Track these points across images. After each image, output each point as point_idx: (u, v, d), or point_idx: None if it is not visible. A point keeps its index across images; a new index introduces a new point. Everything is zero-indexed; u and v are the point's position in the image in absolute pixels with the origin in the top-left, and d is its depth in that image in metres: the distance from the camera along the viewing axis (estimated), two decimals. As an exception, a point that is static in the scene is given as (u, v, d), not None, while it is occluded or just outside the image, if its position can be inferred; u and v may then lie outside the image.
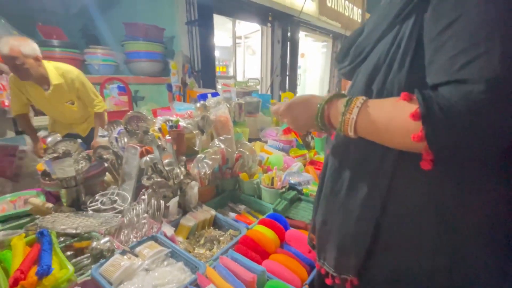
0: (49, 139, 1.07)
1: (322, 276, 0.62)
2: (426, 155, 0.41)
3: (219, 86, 4.32)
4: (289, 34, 4.81)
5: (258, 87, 3.28)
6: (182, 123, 1.30)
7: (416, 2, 0.44)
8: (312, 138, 1.88)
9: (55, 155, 1.04)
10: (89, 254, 0.85)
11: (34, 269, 0.68)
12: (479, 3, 0.36)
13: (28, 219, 1.01)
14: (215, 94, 2.45)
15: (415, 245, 0.47)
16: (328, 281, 0.60)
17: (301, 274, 0.75)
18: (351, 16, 6.06)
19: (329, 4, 5.33)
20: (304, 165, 1.54)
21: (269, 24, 4.64)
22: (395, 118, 0.42)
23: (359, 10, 6.00)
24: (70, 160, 1.06)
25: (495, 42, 0.35)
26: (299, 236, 0.87)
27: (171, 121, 1.28)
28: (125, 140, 1.23)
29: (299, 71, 6.25)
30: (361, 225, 0.51)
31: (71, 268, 0.74)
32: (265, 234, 0.86)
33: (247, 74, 6.13)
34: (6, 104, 2.19)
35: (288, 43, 4.82)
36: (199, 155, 1.14)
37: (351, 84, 0.58)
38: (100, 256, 0.84)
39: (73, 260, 0.82)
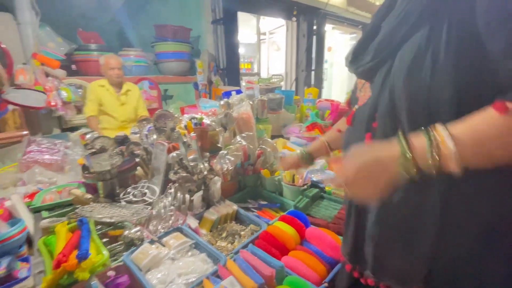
0: (88, 136, 1.17)
1: None
2: None
3: (243, 84, 4.37)
4: (315, 27, 4.68)
5: (282, 83, 3.25)
6: (206, 121, 1.35)
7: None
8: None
9: (93, 150, 1.14)
10: (122, 242, 0.92)
11: (75, 253, 0.76)
12: None
13: (70, 208, 1.12)
14: (238, 92, 2.48)
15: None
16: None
17: (321, 271, 0.75)
18: (382, 6, 5.70)
19: (358, -6, 5.08)
20: (328, 163, 1.51)
21: (294, 19, 4.56)
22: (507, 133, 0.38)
23: (391, -1, 5.62)
24: (105, 155, 1.16)
25: None
26: (320, 234, 0.86)
27: (196, 118, 1.33)
28: (154, 137, 1.31)
29: (325, 66, 6.07)
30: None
31: (106, 253, 0.81)
32: (285, 230, 0.87)
33: (272, 70, 6.10)
34: (53, 104, 2.43)
35: (314, 37, 4.70)
36: (221, 152, 1.17)
37: (376, 82, 0.54)
38: (131, 244, 0.91)
39: (108, 247, 0.90)
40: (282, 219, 0.94)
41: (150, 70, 3.39)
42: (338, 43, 6.82)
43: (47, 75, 2.53)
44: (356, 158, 0.47)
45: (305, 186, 1.16)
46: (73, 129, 2.78)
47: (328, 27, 5.42)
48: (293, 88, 4.91)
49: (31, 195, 1.53)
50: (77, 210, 1.01)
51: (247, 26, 5.26)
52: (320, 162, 1.39)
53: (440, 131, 0.41)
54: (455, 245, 0.48)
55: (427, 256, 0.49)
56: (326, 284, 0.71)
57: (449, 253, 0.49)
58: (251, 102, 1.64)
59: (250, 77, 4.98)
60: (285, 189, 1.18)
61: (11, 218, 1.66)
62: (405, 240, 0.52)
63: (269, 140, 1.36)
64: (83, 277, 0.72)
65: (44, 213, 1.10)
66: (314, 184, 1.23)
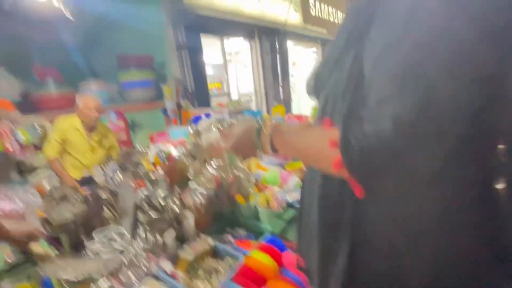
0: (48, 188, 1.10)
1: None
2: (354, 183, 0.43)
3: (214, 103, 4.41)
4: (277, 44, 4.90)
5: (252, 102, 3.34)
6: (174, 153, 1.32)
7: (356, 37, 0.46)
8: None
9: (53, 201, 1.06)
10: (91, 300, 0.85)
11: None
12: (402, 41, 0.38)
13: (32, 267, 1.02)
14: (208, 115, 2.50)
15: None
16: None
17: (301, 301, 0.75)
18: (336, 21, 6.17)
19: (312, 13, 5.44)
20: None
21: (256, 39, 4.74)
22: (316, 143, 0.48)
23: (343, 15, 6.11)
24: (68, 204, 1.09)
25: (408, 84, 0.36)
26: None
27: (163, 152, 1.30)
28: (120, 177, 1.26)
29: (292, 79, 6.32)
30: (333, 255, 0.52)
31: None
32: (262, 261, 0.86)
33: (242, 88, 6.22)
34: (10, 149, 2.26)
35: (278, 54, 4.92)
36: (193, 187, 1.15)
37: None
38: (102, 301, 0.85)
39: (76, 308, 0.83)
40: (259, 248, 0.93)
41: (114, 100, 3.29)
42: (302, 57, 7.18)
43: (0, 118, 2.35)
44: (235, 131, 0.65)
45: (281, 209, 1.17)
46: (33, 170, 2.58)
47: (290, 44, 5.71)
48: (264, 103, 5.04)
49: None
50: (39, 270, 0.93)
51: (213, 48, 5.36)
52: (293, 181, 1.42)
53: (271, 124, 0.57)
54: (366, 264, 0.50)
55: (346, 266, 0.51)
56: (306, 314, 0.70)
57: (361, 273, 0.50)
58: (220, 127, 1.65)
59: (220, 97, 5.02)
60: (261, 214, 1.18)
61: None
62: (330, 251, 0.54)
63: (241, 165, 1.36)
64: None
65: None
66: (290, 205, 1.25)
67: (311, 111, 2.60)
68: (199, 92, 3.73)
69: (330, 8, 6.00)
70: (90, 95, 2.28)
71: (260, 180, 1.50)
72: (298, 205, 1.22)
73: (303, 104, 7.22)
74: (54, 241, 1.17)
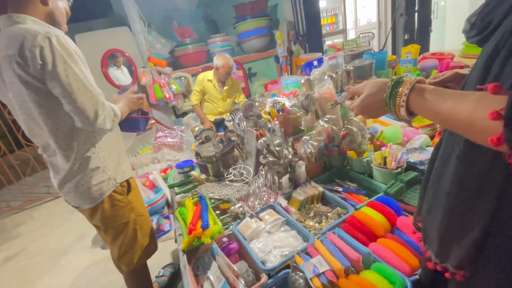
0: (196, 129, 1.45)
1: (427, 259, 0.61)
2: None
3: (328, 42, 4.04)
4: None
5: (373, 41, 2.81)
6: (287, 104, 1.39)
7: None
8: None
9: (200, 140, 1.41)
10: (229, 214, 1.16)
11: (199, 223, 1.03)
12: None
13: (192, 185, 1.47)
14: (320, 61, 2.35)
15: None
16: (430, 265, 0.59)
17: (412, 262, 0.73)
18: None
19: None
20: (432, 137, 1.31)
21: (388, -50, 3.69)
22: (470, 112, 0.38)
23: None
24: (210, 143, 1.42)
25: None
26: (413, 223, 0.82)
27: (278, 104, 1.40)
28: (244, 124, 1.48)
29: (435, 0, 4.75)
30: (464, 226, 0.48)
31: (220, 224, 1.05)
32: (373, 217, 0.87)
33: (361, 21, 5.28)
34: (167, 97, 3.03)
35: (417, -34, 3.69)
36: (304, 137, 1.22)
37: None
38: (236, 216, 1.14)
39: (220, 218, 1.16)
40: (370, 205, 0.93)
41: (234, 52, 3.62)
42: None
43: (159, 73, 3.12)
44: (363, 88, 0.59)
45: (400, 169, 1.07)
46: (184, 114, 3.41)
47: None
48: (390, 38, 4.15)
49: (165, 170, 2.05)
50: (196, 189, 1.32)
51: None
52: (420, 140, 1.23)
53: (411, 81, 0.49)
54: (507, 232, 0.43)
55: (478, 239, 0.46)
56: (417, 277, 0.70)
57: (500, 239, 0.44)
58: (334, 75, 1.56)
59: (334, 36, 4.52)
60: (375, 171, 1.14)
61: (154, 187, 2.30)
62: (461, 222, 0.49)
63: (355, 119, 1.29)
64: (207, 241, 0.97)
65: (176, 189, 1.48)
66: (411, 166, 1.12)
67: (461, 47, 1.97)
68: (311, 35, 3.49)
69: None
70: (224, 56, 2.66)
71: (377, 136, 1.38)
72: (421, 167, 1.09)
73: (448, 33, 5.45)
74: (204, 169, 1.59)
